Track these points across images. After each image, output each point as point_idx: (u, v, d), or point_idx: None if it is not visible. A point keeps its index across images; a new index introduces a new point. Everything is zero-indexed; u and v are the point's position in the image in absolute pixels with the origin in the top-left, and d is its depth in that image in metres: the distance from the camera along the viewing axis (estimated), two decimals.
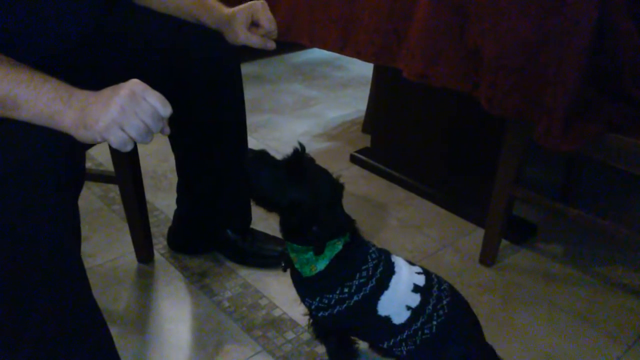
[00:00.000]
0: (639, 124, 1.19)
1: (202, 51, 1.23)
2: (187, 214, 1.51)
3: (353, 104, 2.64)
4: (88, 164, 1.96)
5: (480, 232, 1.61)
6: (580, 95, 1.15)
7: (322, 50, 1.63)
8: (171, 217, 1.56)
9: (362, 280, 1.02)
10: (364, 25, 1.46)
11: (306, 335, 1.28)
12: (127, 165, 1.36)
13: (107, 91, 0.84)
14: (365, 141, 2.16)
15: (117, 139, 0.82)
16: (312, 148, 2.20)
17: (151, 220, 1.54)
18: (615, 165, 1.22)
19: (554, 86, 1.14)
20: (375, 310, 1.03)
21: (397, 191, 1.92)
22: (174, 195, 1.52)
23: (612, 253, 1.61)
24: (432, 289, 1.06)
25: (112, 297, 1.39)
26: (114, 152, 1.35)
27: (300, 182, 0.99)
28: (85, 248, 1.55)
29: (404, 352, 1.05)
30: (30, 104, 0.81)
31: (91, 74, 1.12)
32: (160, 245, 1.58)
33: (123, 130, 0.82)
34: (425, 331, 1.03)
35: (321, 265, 1.02)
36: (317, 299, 1.04)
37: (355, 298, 1.02)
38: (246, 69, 3.02)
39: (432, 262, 1.56)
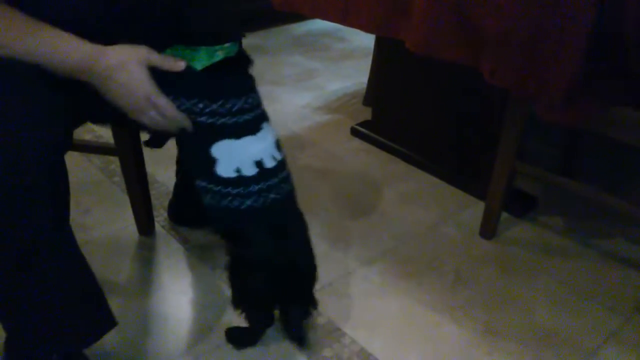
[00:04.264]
0: None
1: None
2: (187, 186, 1.51)
3: (354, 76, 2.62)
4: (88, 136, 1.95)
5: (480, 206, 1.61)
6: (583, 70, 1.14)
7: (324, 21, 1.61)
8: (172, 189, 1.56)
9: (219, 110, 0.97)
10: None
11: None
12: (127, 138, 1.35)
13: (122, 75, 0.90)
14: (367, 114, 2.15)
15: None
16: (312, 121, 2.19)
17: (152, 192, 1.54)
18: (617, 137, 1.21)
19: (555, 61, 1.12)
20: (209, 147, 0.98)
21: (398, 164, 1.92)
22: (174, 168, 1.52)
23: (611, 226, 1.62)
24: (271, 178, 1.01)
25: (113, 270, 1.40)
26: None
27: None
28: (86, 220, 1.55)
29: (205, 201, 1.02)
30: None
31: None
32: (161, 217, 1.58)
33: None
34: (234, 203, 0.99)
35: (197, 65, 0.96)
36: (172, 97, 0.97)
37: (201, 119, 0.97)
38: (247, 40, 2.99)
39: (432, 234, 1.56)
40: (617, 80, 1.19)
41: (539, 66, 1.14)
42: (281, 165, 1.05)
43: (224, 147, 0.99)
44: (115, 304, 1.00)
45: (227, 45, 0.99)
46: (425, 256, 1.48)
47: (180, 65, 0.94)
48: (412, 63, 1.81)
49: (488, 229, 1.55)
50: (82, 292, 0.96)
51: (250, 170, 1.00)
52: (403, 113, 1.96)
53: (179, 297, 1.33)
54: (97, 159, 1.83)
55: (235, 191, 1.00)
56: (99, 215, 1.58)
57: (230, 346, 1.19)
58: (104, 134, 1.97)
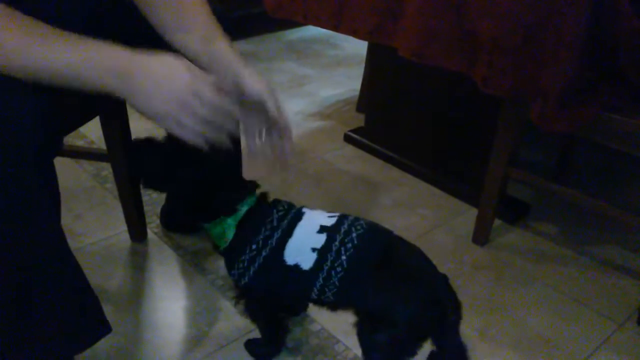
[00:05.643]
0: (634, 104, 1.19)
1: None
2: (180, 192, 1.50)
3: (347, 82, 2.62)
4: (79, 142, 1.94)
5: (473, 212, 1.61)
6: (576, 76, 1.15)
7: (317, 27, 1.62)
8: (164, 195, 1.55)
9: (267, 233, 1.00)
10: (359, 3, 1.44)
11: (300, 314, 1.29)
12: (119, 143, 1.35)
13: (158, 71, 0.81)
14: (360, 120, 2.15)
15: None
16: (305, 127, 2.19)
17: (144, 199, 1.53)
18: (610, 145, 1.22)
19: (550, 66, 1.13)
20: (284, 262, 0.99)
21: (391, 171, 1.92)
22: None
23: (604, 233, 1.62)
24: (341, 225, 1.01)
25: (105, 276, 1.39)
26: (106, 130, 1.33)
27: (194, 155, 0.93)
28: (78, 226, 1.54)
29: (332, 298, 1.00)
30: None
31: None
32: (153, 224, 1.57)
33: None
34: (338, 269, 0.98)
35: (230, 234, 1.01)
36: (236, 266, 1.02)
37: (264, 253, 1.00)
38: (239, 46, 2.99)
39: (425, 241, 1.56)
40: (609, 86, 1.20)
41: (535, 67, 1.15)
42: (340, 216, 1.04)
43: (289, 249, 1.00)
44: (107, 311, 0.99)
45: (247, 200, 1.03)
46: None
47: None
48: (405, 70, 1.82)
49: (481, 236, 1.55)
50: (76, 296, 0.95)
51: (320, 240, 1.00)
52: (396, 119, 1.97)
53: (172, 303, 1.32)
54: (88, 165, 1.82)
55: (329, 263, 0.98)
56: (91, 222, 1.57)
57: (223, 353, 1.19)
58: (95, 139, 1.96)
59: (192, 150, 0.89)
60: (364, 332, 1.02)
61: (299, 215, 1.03)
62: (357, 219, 1.04)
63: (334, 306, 1.05)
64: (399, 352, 1.01)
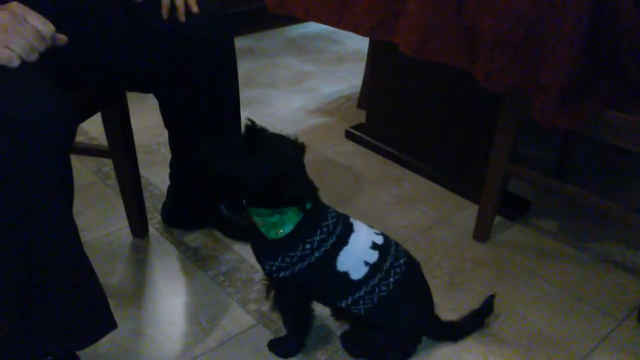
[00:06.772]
0: (635, 101, 1.19)
1: (194, 26, 1.21)
2: (180, 189, 1.51)
3: (348, 79, 2.62)
4: (81, 138, 1.95)
5: (474, 208, 1.61)
6: (577, 72, 1.14)
7: (318, 24, 1.61)
8: (165, 191, 1.56)
9: (322, 237, 1.04)
10: (360, 0, 1.44)
11: None
12: (120, 140, 1.35)
13: None
14: (361, 117, 2.15)
15: (3, 55, 0.84)
16: (306, 123, 2.19)
17: (146, 195, 1.53)
18: (610, 141, 1.22)
19: (551, 63, 1.13)
20: (335, 266, 1.05)
21: (392, 167, 1.92)
22: (168, 170, 1.51)
23: (605, 230, 1.62)
24: (390, 247, 1.10)
25: (106, 272, 1.39)
26: (107, 126, 1.34)
27: (264, 155, 0.99)
28: (80, 222, 1.53)
29: (362, 310, 1.07)
30: None
31: (82, 56, 1.12)
32: (154, 220, 1.57)
33: (8, 48, 0.84)
34: (383, 288, 1.06)
35: (288, 228, 1.03)
36: (280, 259, 1.05)
37: (317, 254, 1.04)
38: (241, 42, 2.99)
39: (426, 237, 1.56)
40: (610, 83, 1.19)
41: (536, 64, 1.15)
42: (385, 236, 1.13)
43: (343, 257, 1.05)
44: None
45: (311, 200, 1.06)
46: (419, 259, 1.47)
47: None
48: (406, 66, 1.82)
49: (482, 232, 1.55)
50: (84, 291, 0.96)
51: (373, 256, 1.07)
52: (397, 116, 1.97)
53: (173, 299, 1.32)
54: (90, 161, 1.83)
55: (376, 280, 1.06)
56: (93, 218, 1.58)
57: (225, 349, 1.19)
58: (96, 136, 1.96)
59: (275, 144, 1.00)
60: (361, 339, 1.15)
61: (349, 225, 1.09)
62: (397, 243, 1.13)
63: (348, 316, 1.14)
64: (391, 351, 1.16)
